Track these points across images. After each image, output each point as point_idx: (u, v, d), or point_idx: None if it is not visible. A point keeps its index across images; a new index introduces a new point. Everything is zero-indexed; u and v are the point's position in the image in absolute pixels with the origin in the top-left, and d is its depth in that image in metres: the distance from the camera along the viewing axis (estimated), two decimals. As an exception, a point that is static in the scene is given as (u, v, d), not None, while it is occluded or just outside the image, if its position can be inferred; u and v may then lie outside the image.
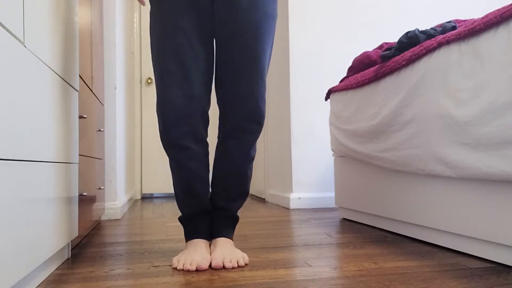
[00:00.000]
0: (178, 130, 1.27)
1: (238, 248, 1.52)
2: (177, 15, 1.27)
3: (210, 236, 1.38)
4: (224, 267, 1.24)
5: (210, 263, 1.26)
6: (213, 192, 1.40)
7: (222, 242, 1.33)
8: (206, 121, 1.34)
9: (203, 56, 1.30)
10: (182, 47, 1.27)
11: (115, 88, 2.49)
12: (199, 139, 1.32)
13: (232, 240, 1.38)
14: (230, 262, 1.24)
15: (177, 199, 1.38)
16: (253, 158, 1.39)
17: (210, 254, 1.31)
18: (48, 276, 1.21)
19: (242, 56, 1.29)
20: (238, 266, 1.25)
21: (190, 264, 1.23)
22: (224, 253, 1.28)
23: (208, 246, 1.36)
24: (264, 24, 1.31)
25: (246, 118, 1.31)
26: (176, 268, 1.24)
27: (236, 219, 1.41)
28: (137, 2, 1.35)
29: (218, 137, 1.39)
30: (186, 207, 1.37)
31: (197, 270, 1.22)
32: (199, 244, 1.32)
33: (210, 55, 1.33)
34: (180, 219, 1.39)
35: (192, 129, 1.29)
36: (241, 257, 1.28)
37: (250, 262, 1.32)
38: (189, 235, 1.36)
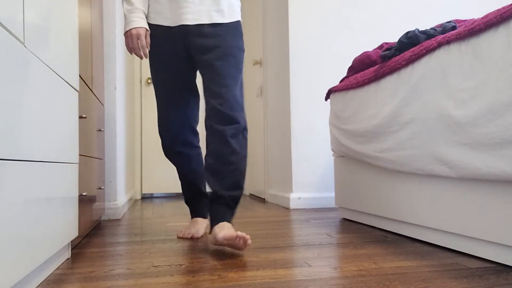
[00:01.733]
0: (173, 143, 1.79)
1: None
2: (166, 61, 1.74)
3: (204, 214, 1.89)
4: (233, 246, 1.41)
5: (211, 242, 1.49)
6: (209, 184, 1.61)
7: (224, 225, 1.50)
8: (195, 133, 1.83)
9: (185, 87, 1.77)
10: (171, 85, 1.75)
11: (115, 88, 2.49)
12: (189, 146, 1.82)
13: (231, 222, 1.58)
14: (237, 234, 1.38)
15: (182, 189, 1.91)
16: (238, 152, 1.59)
17: (216, 236, 1.45)
18: (48, 276, 1.21)
19: (217, 83, 1.64)
20: (244, 244, 1.38)
21: (188, 234, 1.77)
22: (229, 232, 1.43)
23: (204, 222, 1.87)
24: (230, 54, 1.67)
25: (218, 122, 1.59)
26: (177, 236, 1.79)
27: (233, 210, 1.59)
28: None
29: (207, 145, 1.66)
30: (186, 193, 1.89)
31: (192, 238, 1.75)
32: (197, 221, 1.86)
33: (191, 84, 1.79)
34: (185, 202, 1.93)
35: (182, 140, 1.79)
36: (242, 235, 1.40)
37: (250, 262, 1.32)
38: (191, 214, 1.91)
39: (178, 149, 1.79)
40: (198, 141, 1.85)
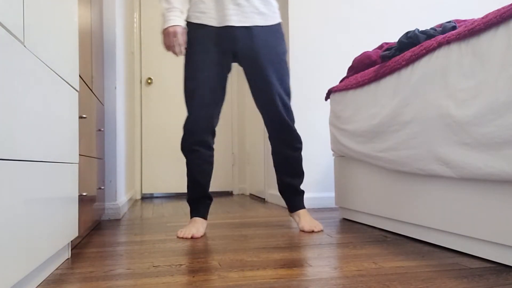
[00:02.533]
0: (192, 139, 1.83)
1: (238, 248, 1.53)
2: (205, 60, 1.79)
3: (205, 215, 1.90)
4: (313, 231, 1.84)
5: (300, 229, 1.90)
6: (278, 176, 1.97)
7: (304, 213, 1.94)
8: (213, 134, 1.87)
9: (219, 88, 1.82)
10: (205, 84, 1.79)
11: (115, 88, 2.49)
12: (206, 146, 1.85)
13: (305, 207, 1.99)
14: (315, 227, 1.85)
15: (187, 187, 1.91)
16: (297, 148, 1.92)
17: (298, 223, 1.92)
18: (48, 276, 1.21)
19: (266, 86, 1.83)
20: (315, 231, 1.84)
21: (188, 234, 1.75)
22: (308, 222, 1.88)
23: (204, 222, 1.88)
24: (278, 60, 1.82)
25: (275, 126, 1.87)
26: (178, 237, 1.77)
27: (302, 192, 1.97)
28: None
29: (269, 140, 1.96)
30: (191, 192, 1.89)
31: (192, 238, 1.74)
32: (197, 221, 1.85)
33: (224, 87, 1.86)
34: (187, 201, 1.93)
35: (201, 139, 1.83)
36: (317, 224, 1.87)
37: (250, 262, 1.32)
38: (192, 214, 1.90)
39: (195, 147, 1.84)
40: (213, 142, 1.90)
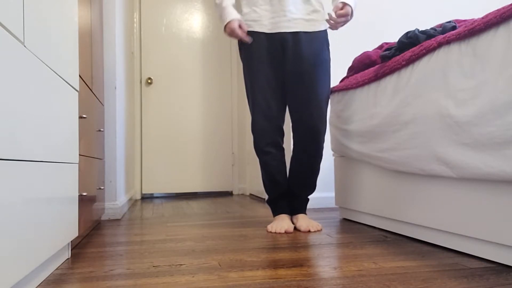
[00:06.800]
0: (263, 141, 1.92)
1: (238, 248, 1.53)
2: (261, 65, 1.90)
3: (290, 212, 2.00)
4: (309, 231, 1.85)
5: (295, 228, 1.92)
6: (290, 182, 1.99)
7: (303, 216, 1.97)
8: (282, 134, 1.95)
9: (278, 90, 1.93)
10: (265, 87, 1.90)
11: (115, 88, 2.49)
12: (277, 146, 1.94)
13: (306, 213, 2.04)
14: (312, 227, 1.86)
15: (265, 187, 2.01)
16: (318, 160, 1.94)
17: (295, 224, 1.94)
18: (48, 276, 1.21)
19: (304, 90, 1.87)
20: (315, 231, 1.86)
21: (280, 229, 1.84)
22: (306, 222, 1.90)
23: (290, 218, 1.99)
24: (320, 66, 1.88)
25: (305, 133, 1.89)
26: (270, 232, 1.86)
27: (307, 200, 2.02)
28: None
29: (292, 145, 1.98)
30: (271, 192, 1.98)
31: (285, 232, 1.83)
32: (284, 217, 1.95)
33: (282, 88, 1.94)
34: (267, 201, 2.03)
35: (271, 140, 1.92)
36: (316, 225, 1.89)
37: (250, 262, 1.32)
38: (276, 212, 1.99)
39: (267, 149, 1.93)
40: (283, 142, 1.97)
